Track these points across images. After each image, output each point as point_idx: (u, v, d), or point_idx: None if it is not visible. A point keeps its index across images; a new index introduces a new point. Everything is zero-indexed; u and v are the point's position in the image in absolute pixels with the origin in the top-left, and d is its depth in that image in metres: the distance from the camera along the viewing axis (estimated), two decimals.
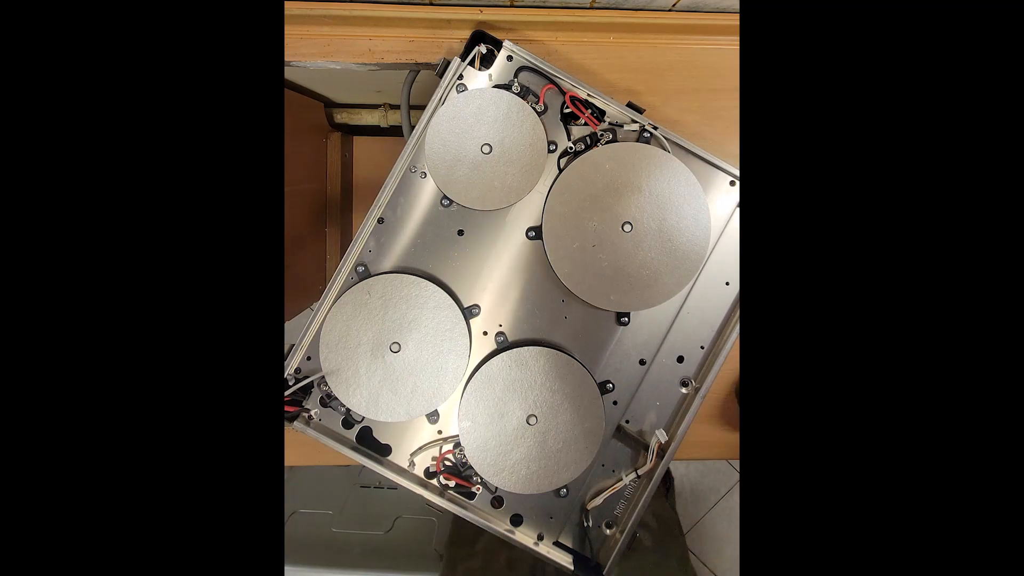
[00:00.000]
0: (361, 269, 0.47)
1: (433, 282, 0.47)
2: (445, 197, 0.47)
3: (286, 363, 0.47)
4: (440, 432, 0.48)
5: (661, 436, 0.47)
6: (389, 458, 0.47)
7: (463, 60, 0.46)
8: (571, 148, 0.47)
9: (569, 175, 0.46)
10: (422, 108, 0.47)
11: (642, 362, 0.48)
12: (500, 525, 0.46)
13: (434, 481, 0.48)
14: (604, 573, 0.46)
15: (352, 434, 0.48)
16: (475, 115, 0.46)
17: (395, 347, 0.46)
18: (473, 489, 0.47)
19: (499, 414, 0.46)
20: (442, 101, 0.46)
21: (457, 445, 0.47)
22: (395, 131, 0.74)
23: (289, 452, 0.56)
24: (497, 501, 0.47)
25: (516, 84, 0.46)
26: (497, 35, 0.46)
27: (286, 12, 0.48)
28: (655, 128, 0.46)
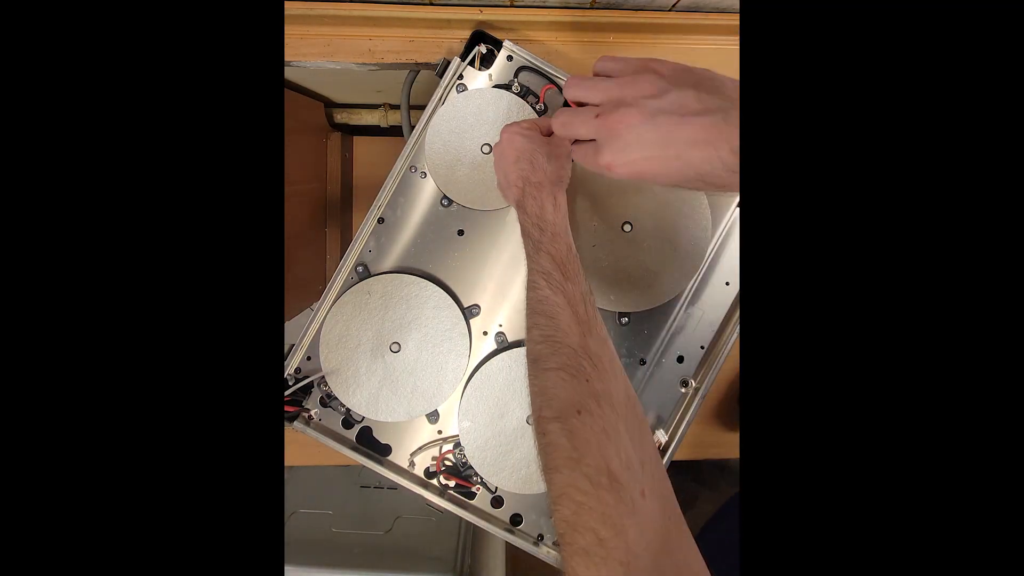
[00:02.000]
0: (361, 269, 0.47)
1: (433, 282, 0.47)
2: (445, 197, 0.47)
3: (286, 363, 0.47)
4: (440, 432, 0.48)
5: (661, 436, 0.47)
6: (389, 458, 0.47)
7: (463, 60, 0.46)
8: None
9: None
10: (422, 108, 0.47)
11: (642, 362, 0.48)
12: (500, 525, 0.46)
13: (434, 481, 0.48)
14: None
15: (352, 434, 0.48)
16: (475, 115, 0.46)
17: (395, 347, 0.46)
18: (473, 489, 0.47)
19: (499, 414, 0.46)
20: (442, 101, 0.46)
21: (457, 445, 0.47)
22: (395, 131, 0.74)
23: (289, 452, 0.56)
24: (497, 501, 0.47)
25: (516, 84, 0.46)
26: (497, 35, 0.46)
27: (286, 12, 0.48)
28: None
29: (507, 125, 0.41)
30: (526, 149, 0.39)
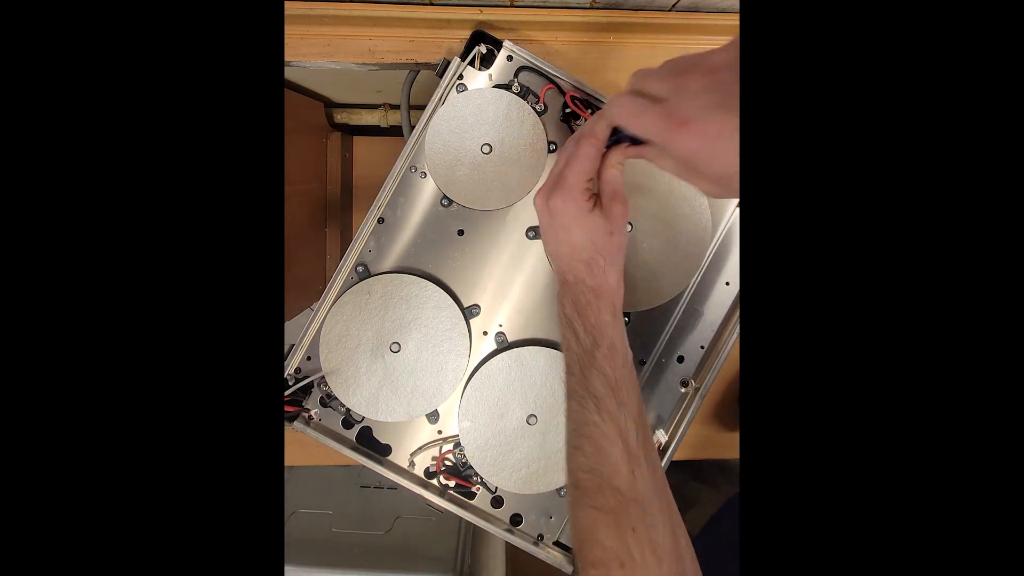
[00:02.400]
0: (361, 269, 0.47)
1: (433, 282, 0.47)
2: (445, 197, 0.47)
3: (286, 363, 0.47)
4: (440, 432, 0.48)
5: (661, 436, 0.47)
6: (389, 458, 0.47)
7: (463, 60, 0.46)
8: None
9: None
10: (422, 108, 0.47)
11: (642, 362, 0.48)
12: (500, 525, 0.46)
13: (434, 481, 0.48)
14: None
15: (352, 434, 0.48)
16: (475, 115, 0.46)
17: (395, 347, 0.46)
18: (473, 489, 0.47)
19: (499, 414, 0.46)
20: (442, 101, 0.46)
21: (457, 445, 0.47)
22: (395, 131, 0.74)
23: (289, 452, 0.56)
24: (497, 501, 0.47)
25: (516, 84, 0.46)
26: (497, 35, 0.46)
27: (286, 12, 0.48)
28: None
29: (552, 194, 0.35)
30: (586, 250, 0.35)
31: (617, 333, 0.35)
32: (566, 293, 0.37)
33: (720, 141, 0.25)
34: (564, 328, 0.37)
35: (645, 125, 0.29)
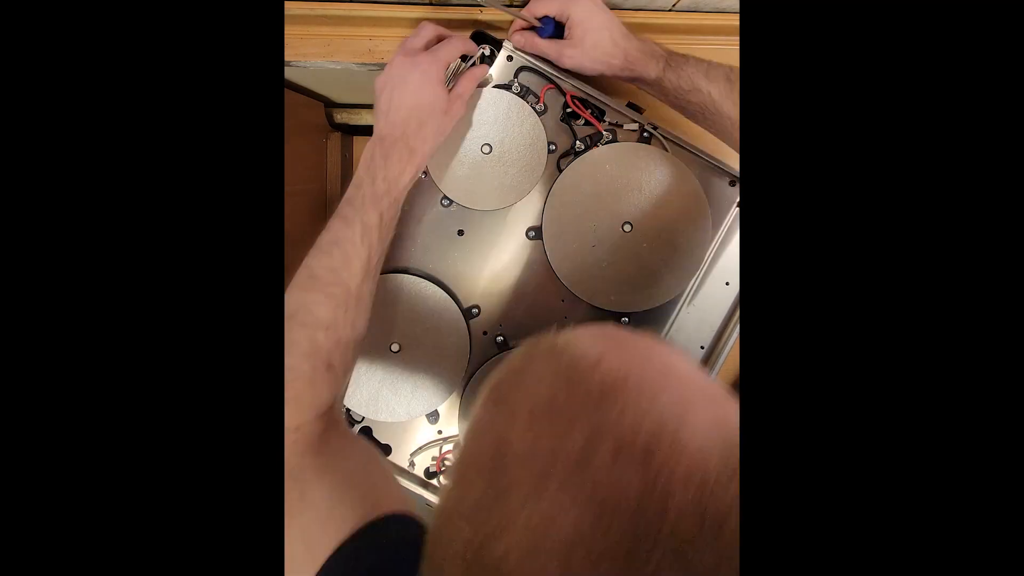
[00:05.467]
0: None
1: (433, 282, 0.47)
2: (445, 197, 0.47)
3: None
4: (440, 432, 0.48)
5: None
6: (389, 458, 0.48)
7: (463, 60, 0.46)
8: (572, 148, 0.47)
9: (569, 175, 0.46)
10: None
11: None
12: None
13: (434, 481, 0.48)
14: None
15: None
16: (475, 115, 0.46)
17: (395, 347, 0.46)
18: None
19: None
20: None
21: (457, 445, 0.47)
22: None
23: None
24: None
25: (516, 84, 0.46)
26: (497, 35, 0.46)
27: (286, 12, 0.48)
28: (655, 128, 0.46)
29: (423, 56, 0.40)
30: (425, 112, 0.40)
31: (403, 196, 0.41)
32: (382, 142, 0.40)
33: None
34: (362, 172, 0.40)
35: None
